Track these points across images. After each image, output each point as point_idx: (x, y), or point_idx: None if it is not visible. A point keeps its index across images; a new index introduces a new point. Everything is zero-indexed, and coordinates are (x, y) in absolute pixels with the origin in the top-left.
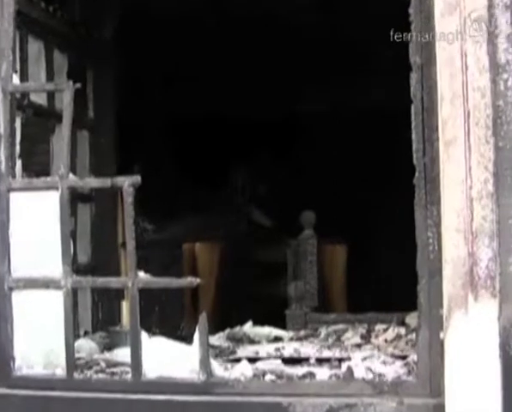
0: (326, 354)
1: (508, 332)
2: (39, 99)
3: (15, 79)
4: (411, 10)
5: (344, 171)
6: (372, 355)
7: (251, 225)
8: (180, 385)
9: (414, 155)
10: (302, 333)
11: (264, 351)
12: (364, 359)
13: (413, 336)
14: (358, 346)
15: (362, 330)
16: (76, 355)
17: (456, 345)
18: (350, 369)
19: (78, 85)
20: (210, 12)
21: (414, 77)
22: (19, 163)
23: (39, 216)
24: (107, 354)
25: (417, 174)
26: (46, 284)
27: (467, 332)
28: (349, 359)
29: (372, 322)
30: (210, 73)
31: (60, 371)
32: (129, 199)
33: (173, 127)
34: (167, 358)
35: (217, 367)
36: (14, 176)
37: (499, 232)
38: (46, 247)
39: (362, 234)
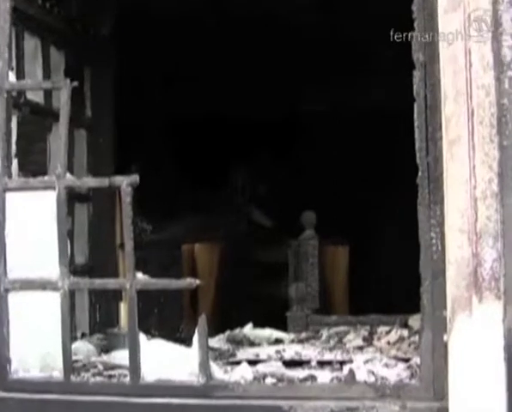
0: (328, 356)
1: None
2: (36, 97)
3: (12, 77)
4: (414, 7)
5: (345, 171)
6: (374, 358)
7: (251, 225)
8: (179, 388)
9: (417, 154)
10: (303, 335)
11: (264, 353)
12: (366, 361)
13: (416, 338)
14: (360, 348)
15: (364, 332)
16: (74, 358)
17: (460, 347)
18: (351, 372)
19: (75, 83)
20: (210, 12)
21: (417, 75)
22: (15, 162)
23: (35, 216)
24: (105, 357)
25: (420, 174)
26: (43, 285)
27: (471, 334)
28: (351, 361)
29: (374, 324)
30: (210, 73)
31: (57, 374)
32: (127, 199)
33: (173, 127)
34: (166, 360)
35: (217, 370)
36: (10, 175)
37: (504, 232)
38: (43, 248)
39: (363, 235)
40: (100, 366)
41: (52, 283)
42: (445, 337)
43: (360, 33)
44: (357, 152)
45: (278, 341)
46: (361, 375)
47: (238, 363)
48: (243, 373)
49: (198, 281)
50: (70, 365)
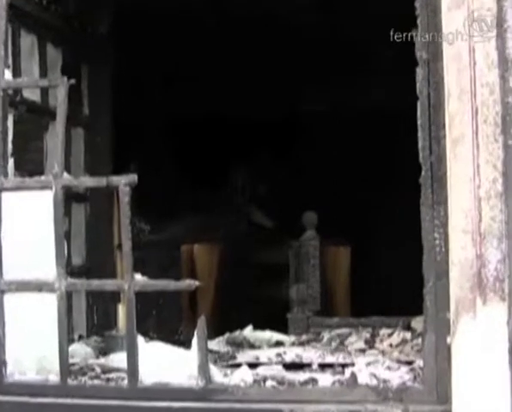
0: (329, 359)
1: None
2: (33, 95)
3: (8, 75)
4: (417, 4)
5: (345, 171)
6: (376, 361)
7: (251, 226)
8: (178, 392)
9: (420, 154)
10: (304, 337)
11: (264, 356)
12: (368, 364)
13: (419, 340)
14: (362, 351)
15: (366, 334)
16: (70, 361)
17: (464, 350)
18: (353, 375)
19: (73, 81)
20: (210, 12)
21: (420, 73)
22: (11, 161)
23: (32, 217)
24: (103, 360)
25: (423, 173)
26: (39, 287)
27: (475, 337)
28: (352, 364)
29: (376, 326)
30: (210, 73)
31: (54, 377)
32: (125, 199)
33: (173, 127)
34: (165, 363)
35: (216, 373)
36: (6, 175)
37: (508, 233)
38: (39, 249)
39: (364, 235)
40: (98, 369)
41: (49, 284)
42: (448, 340)
43: (360, 33)
44: (358, 152)
45: (279, 343)
46: (363, 378)
47: (238, 366)
48: (243, 376)
49: (197, 283)
50: (66, 368)
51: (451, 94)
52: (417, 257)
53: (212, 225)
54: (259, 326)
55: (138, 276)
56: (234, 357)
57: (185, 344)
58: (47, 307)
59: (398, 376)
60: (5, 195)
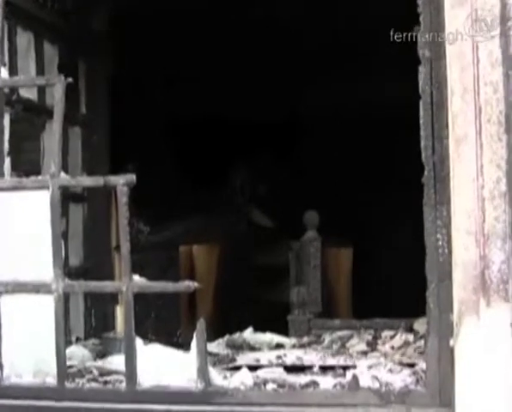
0: (330, 361)
1: None
2: (29, 93)
3: (4, 73)
4: (419, 2)
5: (346, 172)
6: (378, 363)
7: (251, 226)
8: (177, 395)
9: (423, 153)
10: (305, 340)
11: (265, 359)
12: (370, 367)
13: (422, 342)
14: (364, 353)
15: (367, 336)
16: (68, 363)
17: (467, 352)
18: (355, 378)
19: (70, 79)
20: (212, 13)
21: (423, 71)
22: (7, 161)
23: (28, 217)
24: (100, 362)
25: (426, 173)
26: (36, 288)
27: (479, 339)
28: (354, 367)
29: (378, 328)
30: (210, 74)
31: (51, 379)
32: (123, 199)
33: (174, 128)
34: (164, 366)
35: (216, 376)
36: (2, 175)
37: None
38: (36, 250)
39: (365, 236)
40: (96, 372)
41: (46, 286)
42: (451, 342)
43: (360, 34)
44: (359, 153)
45: (279, 345)
46: (365, 381)
47: (238, 368)
48: (243, 379)
49: (196, 284)
50: (64, 370)
51: (454, 93)
52: (420, 258)
53: (212, 225)
54: (259, 328)
55: (137, 278)
56: (233, 359)
57: (184, 346)
58: (44, 309)
59: (400, 379)
60: (1, 195)
